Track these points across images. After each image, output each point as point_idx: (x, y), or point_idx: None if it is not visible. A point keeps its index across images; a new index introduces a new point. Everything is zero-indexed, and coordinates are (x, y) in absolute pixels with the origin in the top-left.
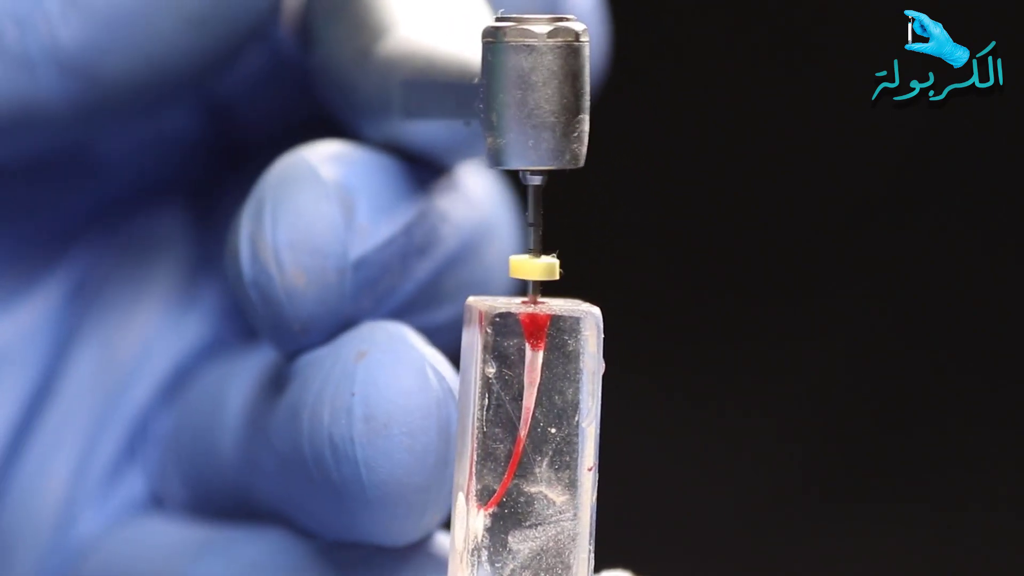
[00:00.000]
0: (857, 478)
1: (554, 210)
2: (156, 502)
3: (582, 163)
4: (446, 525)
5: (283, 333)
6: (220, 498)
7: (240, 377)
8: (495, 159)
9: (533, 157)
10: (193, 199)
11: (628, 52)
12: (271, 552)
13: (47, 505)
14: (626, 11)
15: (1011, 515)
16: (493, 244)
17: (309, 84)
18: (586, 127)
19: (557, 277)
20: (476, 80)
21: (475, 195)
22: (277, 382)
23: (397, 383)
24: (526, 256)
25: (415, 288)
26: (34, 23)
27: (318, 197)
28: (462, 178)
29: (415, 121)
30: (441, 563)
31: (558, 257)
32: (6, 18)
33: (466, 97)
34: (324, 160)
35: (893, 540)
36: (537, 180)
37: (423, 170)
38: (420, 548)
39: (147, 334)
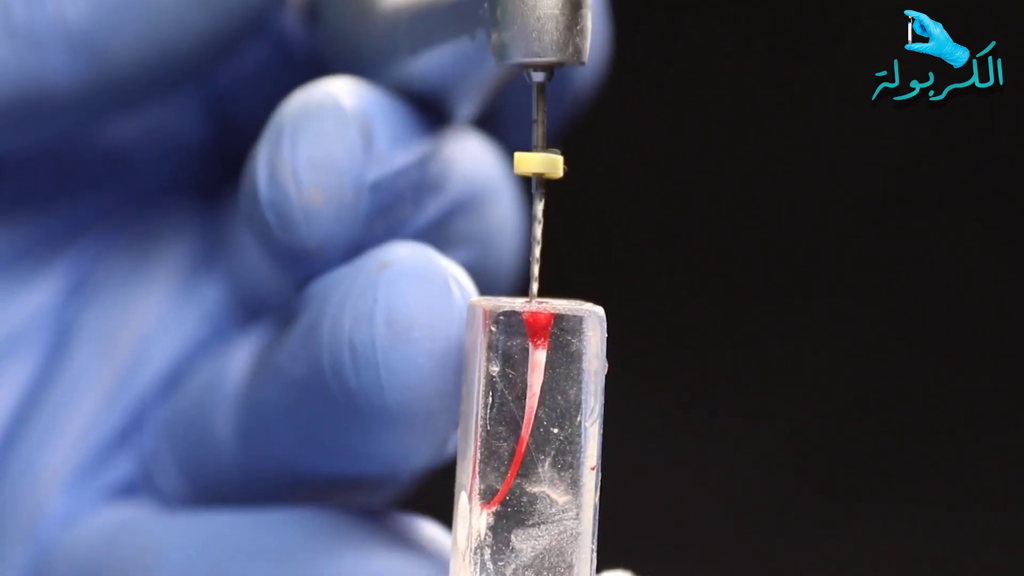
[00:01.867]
0: (857, 478)
1: (556, 210)
2: (148, 490)
3: (585, 59)
4: (448, 524)
5: (298, 254)
6: (217, 484)
7: (236, 360)
8: (500, 53)
9: (536, 49)
10: (200, 201)
11: (628, 51)
12: (254, 535)
13: (38, 489)
14: (627, 11)
15: (1011, 515)
16: (495, 204)
17: (320, 63)
18: (589, 23)
19: (560, 174)
20: None
21: (478, 155)
22: (286, 320)
23: (420, 290)
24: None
25: (426, 224)
26: (42, 1)
27: (338, 121)
28: (465, 138)
29: (422, 55)
30: (440, 563)
31: (562, 154)
32: None
33: (470, 11)
34: (343, 90)
35: (893, 540)
36: (540, 77)
37: (433, 116)
38: (415, 544)
39: (146, 328)
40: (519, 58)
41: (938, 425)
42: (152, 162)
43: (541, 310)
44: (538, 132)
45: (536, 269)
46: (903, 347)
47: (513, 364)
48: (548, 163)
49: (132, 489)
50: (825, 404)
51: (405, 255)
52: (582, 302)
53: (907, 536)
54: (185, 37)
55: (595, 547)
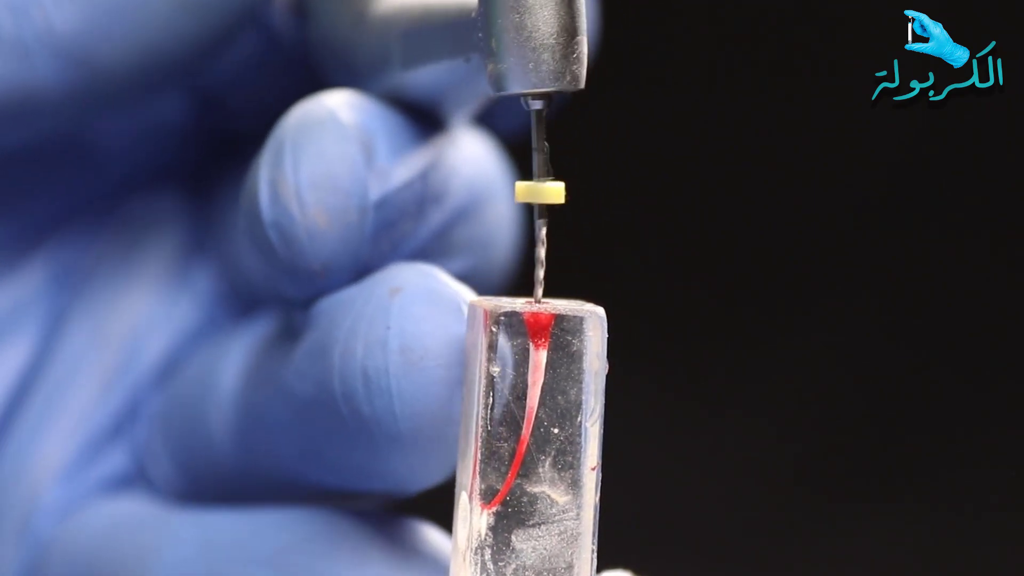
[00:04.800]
0: (856, 478)
1: (556, 210)
2: (142, 482)
3: (582, 84)
4: (447, 526)
5: (303, 275)
6: (211, 480)
7: (232, 356)
8: (496, 84)
9: (534, 79)
10: (187, 186)
11: (628, 52)
12: (251, 538)
13: (31, 482)
14: (627, 11)
15: (1011, 515)
16: (494, 205)
17: (310, 61)
18: (584, 48)
19: (563, 200)
20: (473, 14)
21: (477, 156)
22: (289, 333)
23: (433, 317)
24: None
25: (428, 236)
26: (29, 10)
27: (339, 138)
28: (463, 140)
29: (415, 69)
30: (439, 567)
31: (565, 185)
32: (1, 5)
33: (464, 34)
34: (342, 105)
35: (892, 540)
36: (539, 105)
37: (428, 124)
38: (413, 548)
39: (139, 317)
40: (516, 89)
41: (938, 425)
42: (137, 147)
43: (542, 310)
44: (539, 160)
45: (540, 273)
46: (903, 347)
47: (514, 364)
48: (550, 193)
49: (126, 481)
50: (825, 404)
51: (416, 280)
52: (583, 302)
53: (907, 536)
54: (174, 40)
55: (595, 547)
